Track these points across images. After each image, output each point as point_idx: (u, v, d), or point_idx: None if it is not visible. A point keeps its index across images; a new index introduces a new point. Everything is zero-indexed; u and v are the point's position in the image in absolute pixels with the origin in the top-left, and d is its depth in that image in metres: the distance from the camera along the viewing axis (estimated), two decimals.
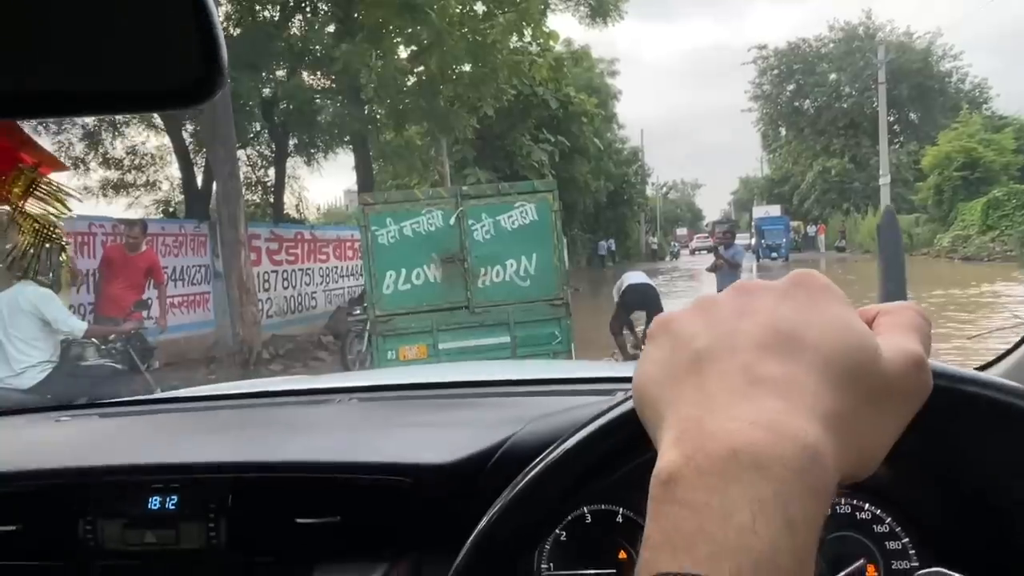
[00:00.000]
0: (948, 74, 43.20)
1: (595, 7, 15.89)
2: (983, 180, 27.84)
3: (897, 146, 39.44)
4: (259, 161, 16.48)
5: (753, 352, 0.37)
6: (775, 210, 39.03)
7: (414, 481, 0.95)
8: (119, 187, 15.33)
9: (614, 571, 0.89)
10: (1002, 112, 37.29)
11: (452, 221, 7.16)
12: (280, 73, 13.52)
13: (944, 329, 9.18)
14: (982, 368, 1.15)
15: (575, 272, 19.10)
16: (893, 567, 0.80)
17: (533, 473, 0.57)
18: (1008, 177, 27.88)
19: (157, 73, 0.51)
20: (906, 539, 0.79)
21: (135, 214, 13.82)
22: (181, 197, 14.48)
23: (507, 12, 12.72)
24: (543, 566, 0.89)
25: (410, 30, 12.48)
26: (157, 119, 13.58)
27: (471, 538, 0.57)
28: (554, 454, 0.57)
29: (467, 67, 13.20)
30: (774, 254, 32.07)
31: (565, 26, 31.62)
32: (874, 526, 0.81)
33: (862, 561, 0.80)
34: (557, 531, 0.90)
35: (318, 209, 28.44)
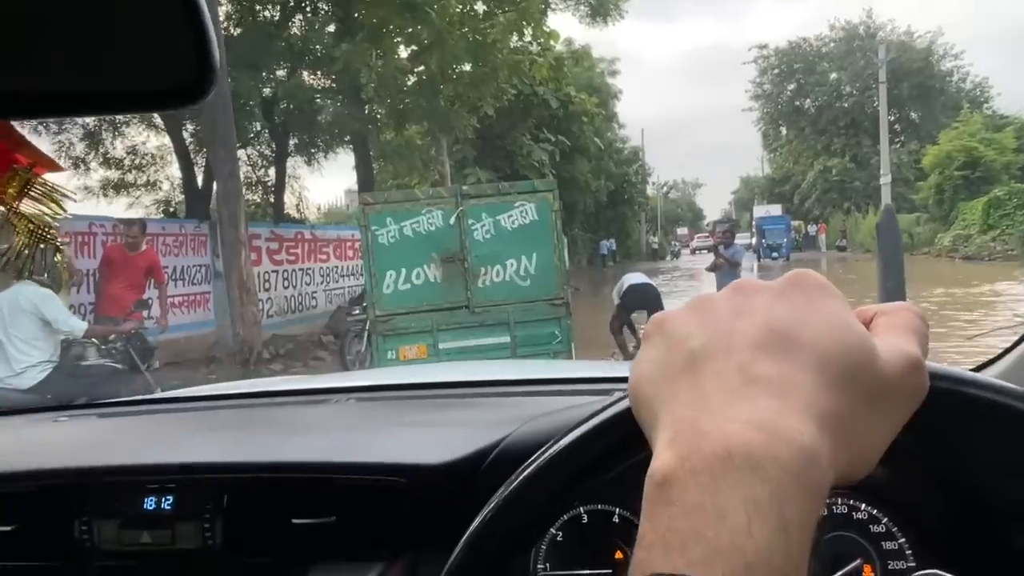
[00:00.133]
0: (949, 73, 43.21)
1: (595, 6, 15.89)
2: (984, 179, 27.83)
3: (898, 145, 39.44)
4: (259, 161, 16.51)
5: (749, 352, 0.37)
6: (776, 209, 39.02)
7: (409, 481, 0.95)
8: (120, 187, 15.34)
9: (610, 571, 0.89)
10: (1003, 111, 37.36)
11: (452, 221, 7.16)
12: (280, 73, 13.54)
13: (945, 328, 9.18)
14: (979, 368, 1.15)
15: (575, 272, 19.13)
16: (890, 567, 0.80)
17: (527, 473, 0.57)
18: (1009, 176, 27.86)
19: (150, 73, 0.51)
20: (903, 539, 0.79)
21: (136, 214, 13.84)
22: (181, 197, 14.48)
23: (507, 11, 12.72)
24: (539, 566, 0.89)
25: (410, 30, 12.48)
26: (157, 119, 13.59)
27: (464, 537, 0.57)
28: (548, 454, 0.57)
29: (467, 67, 13.21)
30: (775, 254, 32.05)
31: (565, 25, 31.75)
32: (871, 526, 0.81)
33: (859, 561, 0.80)
34: (553, 531, 0.89)
35: (318, 209, 28.48)
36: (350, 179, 39.00)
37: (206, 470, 1.02)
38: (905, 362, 0.38)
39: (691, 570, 0.30)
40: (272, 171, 15.80)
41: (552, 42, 15.70)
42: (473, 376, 1.80)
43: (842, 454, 0.35)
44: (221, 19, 11.30)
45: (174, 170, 14.90)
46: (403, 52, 13.59)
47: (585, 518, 0.90)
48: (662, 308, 7.76)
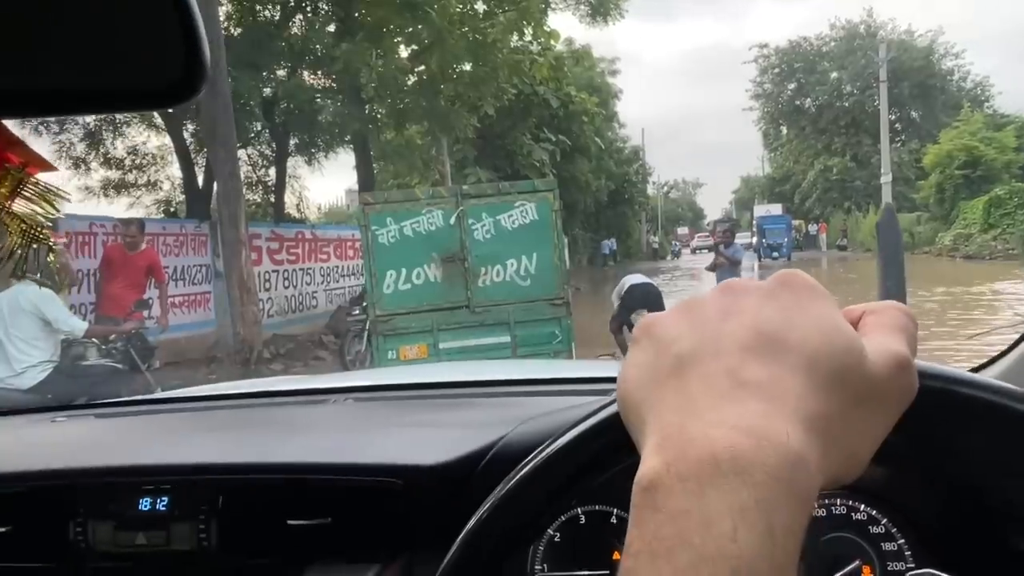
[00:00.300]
0: (950, 72, 43.20)
1: (595, 6, 15.87)
2: (985, 178, 27.83)
3: (899, 144, 39.44)
4: (260, 161, 16.51)
5: (737, 355, 0.37)
6: (776, 209, 39.02)
7: (405, 482, 0.95)
8: (120, 187, 15.35)
9: (607, 572, 0.88)
10: (1004, 110, 37.38)
11: (452, 220, 7.16)
12: (281, 73, 13.55)
13: (945, 328, 9.18)
14: (978, 369, 1.15)
15: (576, 271, 19.14)
16: (889, 568, 0.79)
17: (523, 473, 0.57)
18: (1010, 175, 27.86)
19: (139, 72, 0.51)
20: (902, 540, 0.79)
21: (136, 214, 13.85)
22: (182, 197, 14.49)
23: (507, 11, 12.73)
24: (536, 567, 0.89)
25: (410, 29, 12.49)
26: (158, 119, 13.61)
27: (460, 537, 0.57)
28: (544, 454, 0.56)
29: (468, 66, 13.21)
30: (775, 253, 32.03)
31: (565, 25, 31.78)
32: (870, 527, 0.81)
33: (858, 562, 0.80)
34: (551, 532, 0.89)
35: (319, 209, 28.51)
36: (350, 179, 39.07)
37: (201, 471, 1.02)
38: (893, 362, 0.38)
39: None
40: (272, 171, 15.81)
41: (552, 42, 15.70)
42: (472, 376, 1.79)
43: (831, 456, 0.35)
44: (221, 19, 11.30)
45: (174, 170, 14.94)
46: (403, 52, 13.61)
47: (583, 519, 0.89)
48: (663, 308, 7.77)
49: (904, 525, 0.78)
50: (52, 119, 12.79)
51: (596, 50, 30.86)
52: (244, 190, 11.83)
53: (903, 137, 42.01)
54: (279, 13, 13.56)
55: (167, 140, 14.30)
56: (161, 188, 15.90)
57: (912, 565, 0.77)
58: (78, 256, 8.76)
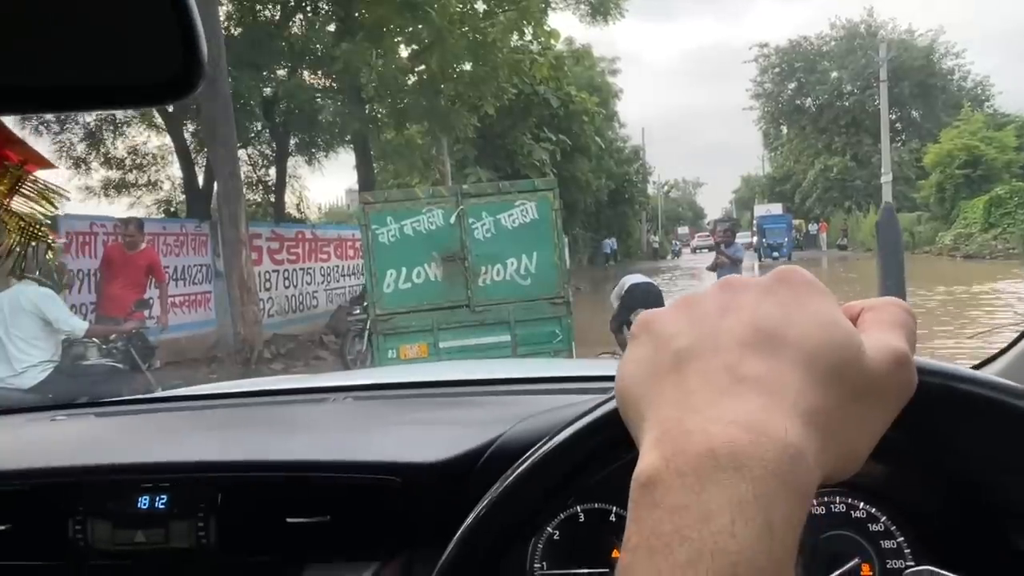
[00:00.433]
0: (950, 72, 43.19)
1: (595, 5, 15.87)
2: (985, 178, 27.83)
3: (899, 144, 39.43)
4: (260, 160, 16.51)
5: (735, 351, 0.37)
6: (776, 208, 39.01)
7: (404, 480, 0.95)
8: (121, 187, 15.35)
9: (606, 570, 0.88)
10: (1004, 110, 37.40)
11: (453, 220, 7.16)
12: (281, 72, 13.55)
13: (946, 327, 9.18)
14: (980, 365, 1.15)
15: (576, 271, 19.13)
16: (888, 566, 0.79)
17: (520, 470, 0.57)
18: (1010, 175, 27.85)
19: (137, 68, 0.51)
20: (901, 538, 0.79)
21: (137, 214, 13.84)
22: (182, 197, 14.50)
23: (508, 11, 12.73)
24: (536, 565, 0.89)
25: (411, 29, 12.49)
26: (158, 118, 13.62)
27: (457, 534, 0.57)
28: (542, 451, 0.56)
29: (468, 66, 13.21)
30: (775, 253, 32.03)
31: (566, 25, 31.75)
32: (869, 525, 0.81)
33: (857, 560, 0.80)
34: (550, 530, 0.89)
35: (319, 208, 28.53)
36: (351, 178, 39.09)
37: (200, 469, 1.02)
38: (892, 358, 0.38)
39: (674, 573, 0.30)
40: (273, 171, 15.81)
41: (552, 41, 15.70)
42: (472, 375, 1.80)
43: (829, 452, 0.35)
44: (221, 19, 11.30)
45: (175, 170, 14.94)
46: (403, 51, 13.61)
47: (582, 517, 0.89)
48: (663, 307, 7.76)
49: (903, 522, 0.78)
50: (52, 118, 12.81)
51: (596, 50, 30.88)
52: (244, 190, 11.83)
53: (903, 136, 42.00)
54: (279, 13, 13.56)
55: (167, 140, 14.31)
56: (161, 188, 15.93)
57: (911, 562, 0.77)
58: (79, 256, 8.76)
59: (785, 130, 48.30)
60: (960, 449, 0.53)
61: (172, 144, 13.91)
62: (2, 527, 0.99)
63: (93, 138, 14.38)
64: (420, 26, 12.06)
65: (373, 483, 0.96)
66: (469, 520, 0.57)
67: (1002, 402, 0.47)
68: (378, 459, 0.99)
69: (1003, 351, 1.14)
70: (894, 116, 39.18)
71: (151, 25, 0.49)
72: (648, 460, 0.34)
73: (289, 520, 0.95)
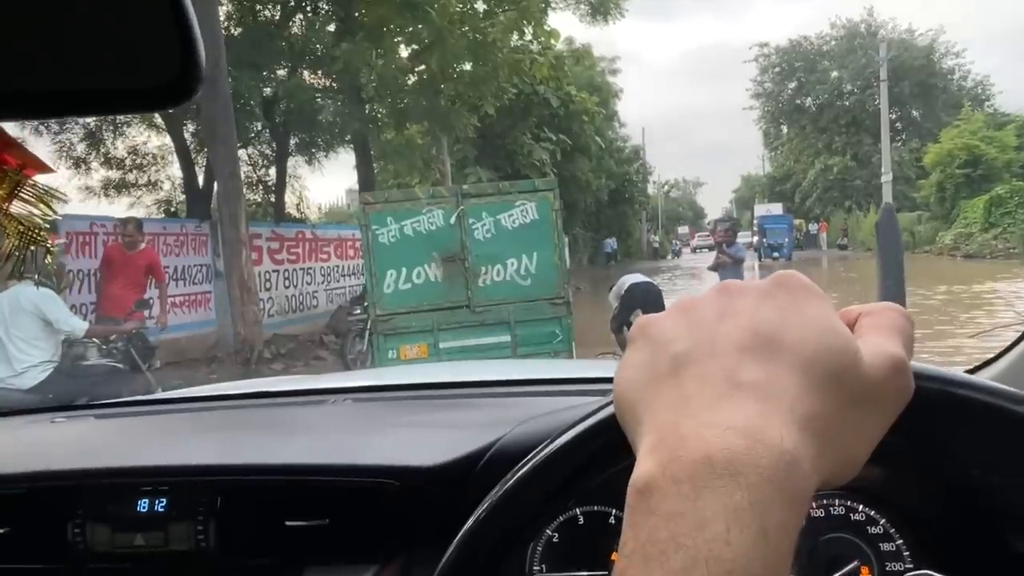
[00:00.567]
0: (950, 71, 43.18)
1: (595, 5, 15.85)
2: (985, 177, 27.82)
3: (899, 144, 39.42)
4: (260, 160, 16.50)
5: (733, 356, 0.37)
6: (777, 208, 38.99)
7: (402, 483, 0.95)
8: (121, 187, 15.35)
9: (606, 573, 0.88)
10: (1004, 109, 37.40)
11: (453, 220, 7.16)
12: (281, 72, 13.55)
13: (946, 327, 9.18)
14: (976, 369, 1.15)
15: (576, 271, 19.12)
16: (887, 569, 0.79)
17: (520, 473, 0.57)
18: (1010, 174, 27.85)
19: (135, 73, 0.50)
20: (900, 541, 0.79)
21: (137, 214, 13.82)
22: (182, 197, 14.49)
23: (508, 10, 12.73)
24: (535, 567, 0.89)
25: (411, 29, 12.48)
26: (158, 119, 13.61)
27: (457, 538, 0.57)
28: (542, 454, 0.56)
29: (468, 66, 13.21)
30: (776, 253, 32.02)
31: (566, 24, 31.72)
32: (868, 528, 0.81)
33: (856, 563, 0.80)
34: (549, 532, 0.89)
35: (319, 208, 28.52)
36: (351, 178, 39.06)
37: (199, 472, 1.02)
38: (889, 363, 0.38)
39: None
40: (273, 171, 15.81)
41: (552, 41, 15.70)
42: (472, 376, 1.79)
43: (826, 457, 0.35)
44: (221, 19, 11.30)
45: (175, 170, 14.94)
46: (403, 51, 13.60)
47: (581, 519, 0.89)
48: (663, 307, 7.76)
49: (902, 526, 0.78)
50: (51, 119, 12.80)
51: (596, 49, 30.87)
52: (244, 190, 11.84)
53: (904, 136, 41.99)
54: (279, 13, 13.56)
55: (167, 140, 14.31)
56: (161, 188, 15.92)
57: (910, 565, 0.77)
58: (79, 256, 8.76)
59: (785, 130, 48.28)
60: (958, 453, 0.53)
61: (172, 144, 13.91)
62: (1, 530, 0.99)
63: (93, 138, 14.39)
64: (420, 26, 12.06)
65: (372, 486, 0.96)
66: (469, 523, 0.57)
67: (1000, 407, 0.47)
68: (377, 462, 0.99)
69: (1001, 354, 1.14)
70: (894, 116, 39.18)
71: (149, 30, 0.48)
72: (644, 466, 0.34)
73: (288, 523, 0.95)
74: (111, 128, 14.45)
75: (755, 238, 35.07)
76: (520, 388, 1.44)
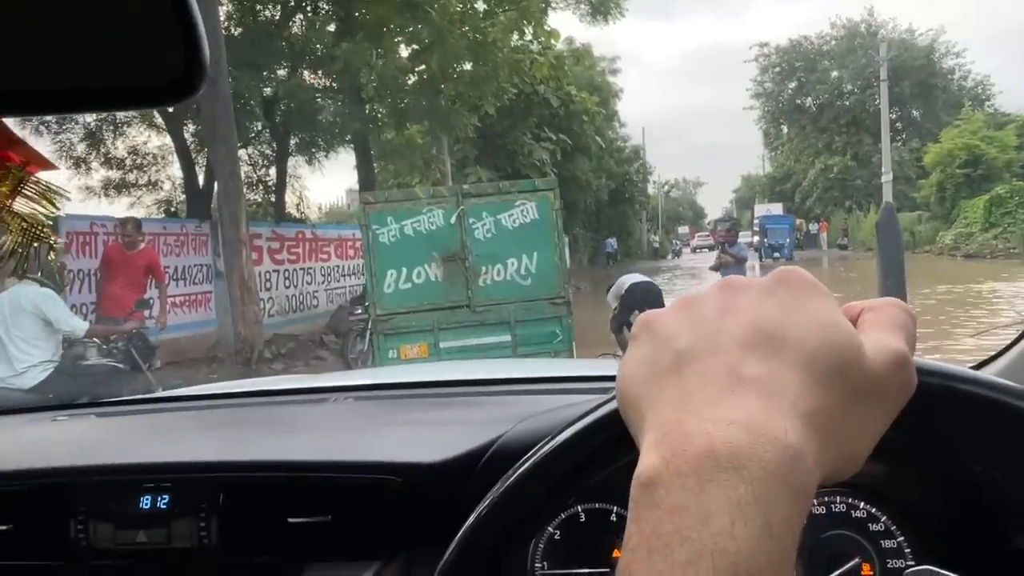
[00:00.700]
0: (950, 71, 43.17)
1: (595, 5, 15.84)
2: (986, 177, 27.83)
3: (899, 143, 39.41)
4: (260, 160, 16.49)
5: (736, 352, 0.37)
6: (777, 208, 39.01)
7: (404, 480, 0.95)
8: (121, 187, 15.34)
9: (607, 570, 0.88)
10: (1005, 109, 37.41)
11: (453, 220, 7.16)
12: (281, 72, 13.54)
13: (946, 326, 9.18)
14: (979, 366, 1.15)
15: (576, 270, 19.13)
16: (888, 565, 0.79)
17: (521, 470, 0.57)
18: (1011, 174, 27.86)
19: (138, 70, 0.51)
20: (901, 537, 0.79)
21: (137, 214, 13.83)
22: (183, 197, 14.49)
23: (508, 10, 12.73)
24: (537, 564, 0.89)
25: (411, 29, 12.48)
26: (158, 119, 13.61)
27: (459, 535, 0.57)
28: (543, 451, 0.56)
29: (468, 66, 13.20)
30: (776, 253, 32.02)
31: (566, 24, 31.71)
32: (869, 524, 0.81)
33: (857, 560, 0.80)
34: (551, 529, 0.89)
35: (319, 208, 28.54)
36: (351, 178, 39.07)
37: (201, 469, 1.02)
38: (892, 359, 0.38)
39: (673, 573, 0.30)
40: (273, 170, 15.80)
41: (553, 41, 15.70)
42: (472, 375, 1.80)
43: (829, 452, 0.35)
44: (221, 19, 11.30)
45: (175, 170, 14.93)
46: (403, 51, 13.60)
47: (583, 517, 0.89)
48: (663, 306, 7.76)
49: (904, 522, 0.78)
50: (52, 118, 12.81)
51: (596, 49, 30.86)
52: (244, 190, 11.83)
53: (904, 136, 41.98)
54: (279, 13, 13.56)
55: (168, 140, 14.30)
56: (162, 188, 15.91)
57: (912, 562, 0.77)
58: (79, 256, 8.76)
59: (785, 129, 48.28)
60: (960, 449, 0.53)
61: (172, 144, 13.91)
62: (4, 527, 0.99)
63: (93, 138, 14.38)
64: (420, 26, 12.06)
65: (374, 483, 0.96)
66: (470, 520, 0.57)
67: (1002, 402, 0.47)
68: (379, 459, 0.99)
69: (1003, 351, 1.14)
70: (894, 115, 39.17)
71: (153, 27, 0.49)
72: (648, 461, 0.34)
73: (290, 520, 0.95)
74: (111, 128, 14.45)
75: (756, 238, 35.08)
76: (521, 386, 1.45)
